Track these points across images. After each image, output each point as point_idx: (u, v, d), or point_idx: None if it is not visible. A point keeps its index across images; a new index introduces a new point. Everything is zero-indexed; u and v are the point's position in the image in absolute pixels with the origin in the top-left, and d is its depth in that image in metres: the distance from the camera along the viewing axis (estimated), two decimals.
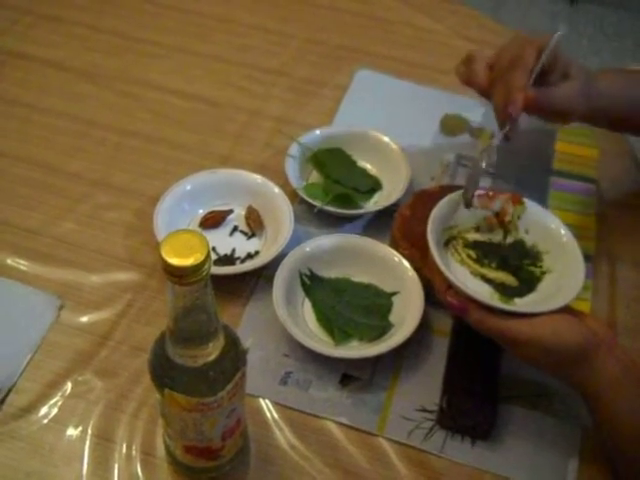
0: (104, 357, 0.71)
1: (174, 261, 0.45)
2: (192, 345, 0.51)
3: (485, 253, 0.69)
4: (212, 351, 0.52)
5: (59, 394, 0.68)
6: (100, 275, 0.77)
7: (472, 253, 0.68)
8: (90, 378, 0.69)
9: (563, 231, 0.69)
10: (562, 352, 0.59)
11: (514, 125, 0.71)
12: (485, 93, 0.75)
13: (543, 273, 0.67)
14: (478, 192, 0.70)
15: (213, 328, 0.51)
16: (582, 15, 2.59)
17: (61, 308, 0.74)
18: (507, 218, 0.69)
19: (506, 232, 0.70)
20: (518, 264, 0.68)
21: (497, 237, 0.70)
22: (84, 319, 0.73)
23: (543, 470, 0.66)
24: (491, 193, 0.70)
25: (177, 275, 0.45)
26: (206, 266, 0.45)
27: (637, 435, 0.59)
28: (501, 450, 0.67)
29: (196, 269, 0.45)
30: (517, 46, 0.72)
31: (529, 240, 0.70)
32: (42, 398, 0.67)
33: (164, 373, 0.53)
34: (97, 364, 0.70)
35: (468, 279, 0.66)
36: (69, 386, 0.68)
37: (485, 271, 0.67)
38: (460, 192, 0.70)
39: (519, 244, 0.70)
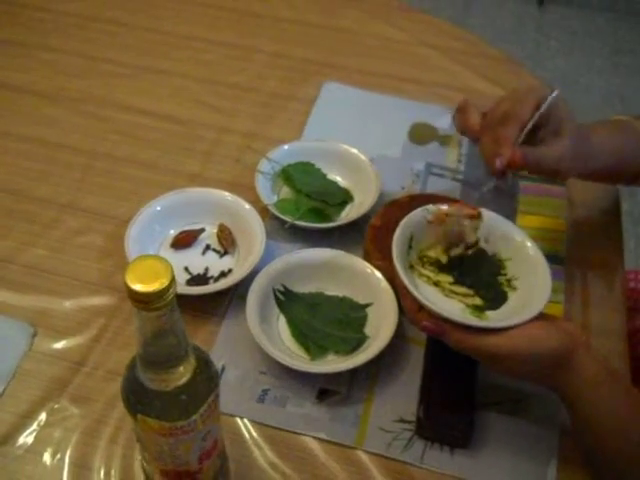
0: (79, 383, 0.70)
1: (139, 287, 0.44)
2: (162, 369, 0.51)
3: (451, 270, 0.68)
4: (183, 374, 0.51)
5: (35, 423, 0.67)
6: (73, 300, 0.77)
7: (438, 271, 0.68)
8: (66, 405, 0.68)
9: (519, 235, 0.69)
10: (542, 359, 0.59)
11: (504, 177, 0.69)
12: (477, 140, 0.73)
13: (509, 281, 0.67)
14: (437, 207, 0.69)
15: (183, 351, 0.51)
16: (549, 16, 2.62)
17: (34, 336, 0.73)
18: (470, 239, 0.69)
19: (467, 245, 0.70)
20: (488, 278, 0.67)
21: (458, 250, 0.69)
22: (58, 346, 0.73)
23: (523, 474, 0.66)
24: (447, 209, 0.69)
25: (143, 301, 0.45)
26: (171, 290, 0.45)
27: (617, 433, 0.60)
28: (481, 457, 0.67)
29: (161, 294, 0.45)
30: (514, 99, 0.70)
31: (490, 249, 0.69)
32: (18, 428, 0.67)
33: (136, 398, 0.52)
34: (72, 391, 0.69)
35: (438, 298, 0.65)
36: (45, 415, 0.68)
37: (454, 288, 0.66)
38: (421, 209, 0.69)
39: (481, 255, 0.69)
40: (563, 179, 0.77)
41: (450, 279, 0.67)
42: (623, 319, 0.78)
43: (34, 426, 0.67)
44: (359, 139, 0.92)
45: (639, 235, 1.75)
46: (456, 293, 0.66)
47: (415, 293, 0.61)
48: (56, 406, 0.68)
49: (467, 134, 0.74)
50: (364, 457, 0.67)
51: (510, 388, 0.71)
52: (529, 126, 0.69)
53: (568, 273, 0.81)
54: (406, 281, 0.62)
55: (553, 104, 0.69)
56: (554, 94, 0.69)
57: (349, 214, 0.85)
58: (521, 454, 0.67)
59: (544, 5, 2.65)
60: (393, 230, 0.78)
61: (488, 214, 0.69)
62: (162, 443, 0.54)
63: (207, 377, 0.54)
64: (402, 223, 0.67)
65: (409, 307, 0.64)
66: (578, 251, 0.84)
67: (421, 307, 0.62)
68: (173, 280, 0.45)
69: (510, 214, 0.87)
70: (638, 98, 2.26)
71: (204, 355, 0.55)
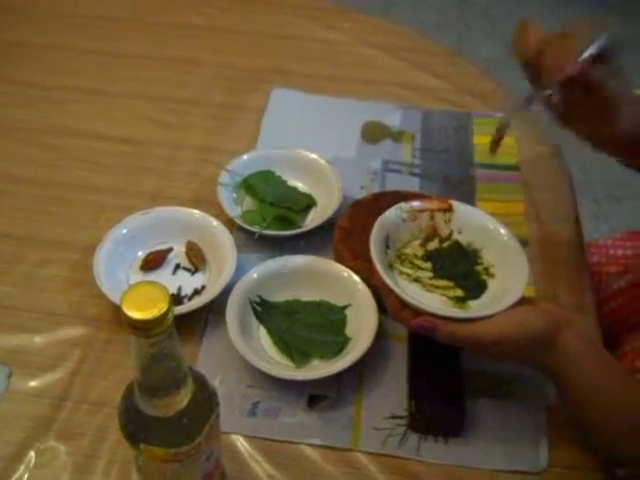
0: (64, 420, 0.68)
1: (137, 315, 0.44)
2: (164, 394, 0.50)
3: (430, 264, 0.69)
4: (184, 397, 0.51)
5: (22, 467, 0.65)
6: (45, 335, 0.74)
7: (417, 267, 0.68)
8: (53, 444, 0.66)
9: (492, 223, 0.70)
10: (530, 341, 0.61)
11: (558, 88, 0.66)
12: (530, 62, 0.69)
13: (486, 269, 0.69)
14: (409, 204, 0.70)
15: (182, 374, 0.50)
16: (470, 6, 2.68)
17: (10, 376, 0.71)
18: (444, 232, 0.70)
19: (442, 239, 0.71)
20: (465, 268, 0.68)
21: (434, 244, 0.70)
22: (36, 383, 0.71)
23: (516, 454, 0.67)
24: (419, 205, 0.70)
25: (142, 328, 0.44)
26: (170, 315, 0.45)
27: (605, 403, 0.62)
28: (474, 443, 0.68)
29: (161, 320, 0.44)
30: (572, 28, 0.66)
31: (464, 240, 0.71)
32: (5, 473, 0.64)
33: (137, 428, 0.51)
34: (58, 428, 0.67)
35: (420, 294, 0.66)
36: (32, 456, 0.65)
37: (434, 282, 0.67)
38: (394, 208, 0.70)
39: (456, 246, 0.70)
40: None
41: (429, 274, 0.68)
42: (591, 292, 0.81)
43: (22, 470, 0.64)
44: (313, 143, 0.92)
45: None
46: (437, 287, 0.67)
47: (398, 291, 0.62)
48: (42, 446, 0.66)
49: (523, 52, 0.69)
50: (361, 457, 0.67)
51: (492, 373, 0.72)
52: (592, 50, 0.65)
53: (533, 254, 0.84)
54: (388, 280, 0.63)
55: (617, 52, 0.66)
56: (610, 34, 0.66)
57: (314, 218, 0.85)
58: (512, 435, 0.69)
59: None
60: (361, 230, 0.79)
61: (459, 205, 0.71)
62: (166, 470, 0.53)
63: (206, 397, 0.53)
64: (377, 224, 0.67)
65: (392, 306, 0.64)
66: (539, 232, 0.87)
67: (404, 305, 0.63)
68: (171, 304, 0.45)
69: (470, 203, 0.89)
70: None
71: (200, 375, 0.54)
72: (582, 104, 0.68)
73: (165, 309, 0.44)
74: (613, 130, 0.69)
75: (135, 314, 0.44)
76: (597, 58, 0.65)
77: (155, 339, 0.45)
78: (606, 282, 0.92)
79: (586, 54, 0.64)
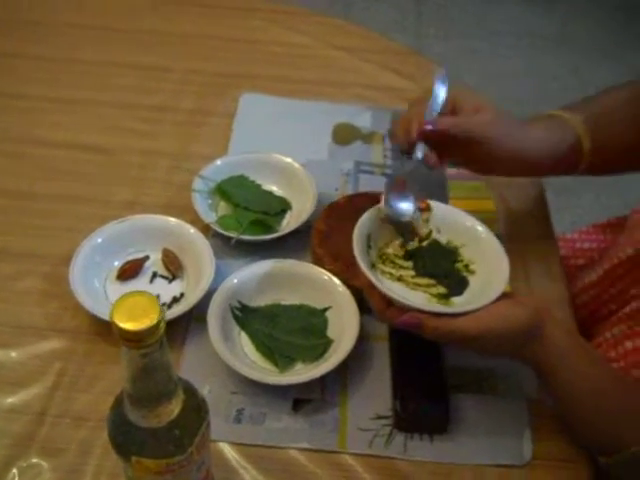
0: (46, 435, 0.67)
1: (129, 326, 0.43)
2: (155, 405, 0.49)
3: (411, 263, 0.69)
4: (174, 407, 0.50)
5: None
6: (21, 350, 0.73)
7: (398, 266, 0.69)
8: (36, 461, 0.65)
9: (469, 221, 0.71)
10: (515, 335, 0.62)
11: (422, 149, 0.71)
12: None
13: (466, 266, 0.69)
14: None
15: (173, 384, 0.50)
16: (427, 5, 2.71)
17: None
18: (423, 231, 0.71)
19: (421, 238, 0.71)
20: (446, 266, 0.69)
21: (414, 244, 0.71)
22: (15, 400, 0.69)
23: (501, 447, 0.68)
24: None
25: (134, 340, 0.44)
26: (162, 324, 0.44)
27: (593, 393, 0.64)
28: (459, 439, 0.69)
29: (153, 330, 0.44)
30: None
31: (443, 238, 0.71)
32: None
33: (128, 440, 0.51)
34: (40, 444, 0.66)
35: (403, 292, 0.66)
36: (15, 474, 0.64)
37: (416, 280, 0.68)
38: (373, 208, 0.70)
39: (436, 245, 0.71)
40: (492, 164, 0.77)
41: (411, 272, 0.68)
42: (563, 286, 0.82)
43: None
44: (284, 147, 0.92)
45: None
46: (419, 285, 0.67)
47: (384, 290, 0.62)
48: (25, 464, 0.65)
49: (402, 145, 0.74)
50: (349, 459, 0.67)
51: (474, 369, 0.73)
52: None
53: (506, 250, 0.84)
54: (373, 279, 0.63)
55: (458, 93, 0.73)
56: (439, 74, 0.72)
57: (289, 222, 0.85)
58: (496, 430, 0.69)
59: None
60: (338, 232, 0.79)
61: (437, 205, 0.72)
62: None
63: (196, 406, 0.53)
64: (358, 224, 0.67)
65: (377, 305, 0.64)
66: (511, 227, 0.88)
67: (389, 304, 0.63)
68: (162, 314, 0.44)
69: (444, 202, 0.90)
70: (518, 75, 2.38)
71: (189, 384, 0.54)
72: (452, 152, 0.74)
73: (157, 319, 0.44)
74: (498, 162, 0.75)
75: (127, 325, 0.43)
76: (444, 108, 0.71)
77: (147, 350, 0.45)
78: (575, 275, 0.94)
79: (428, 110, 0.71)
